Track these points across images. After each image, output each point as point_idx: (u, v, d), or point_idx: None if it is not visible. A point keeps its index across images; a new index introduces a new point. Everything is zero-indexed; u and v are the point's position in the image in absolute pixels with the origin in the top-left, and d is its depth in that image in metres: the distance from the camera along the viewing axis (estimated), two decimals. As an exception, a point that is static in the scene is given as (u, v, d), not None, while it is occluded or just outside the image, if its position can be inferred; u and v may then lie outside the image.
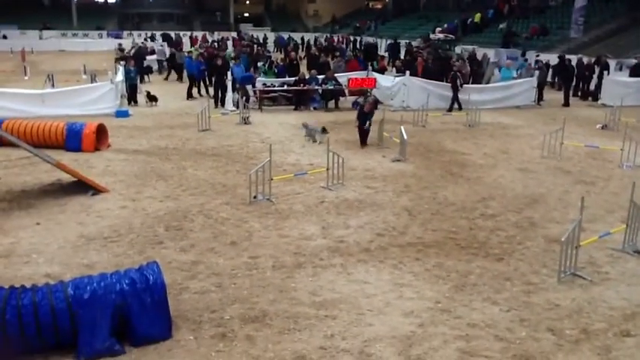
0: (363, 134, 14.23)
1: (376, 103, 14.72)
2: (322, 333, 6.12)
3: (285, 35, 51.05)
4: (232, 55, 26.22)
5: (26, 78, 26.35)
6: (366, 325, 6.26)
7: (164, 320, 5.95)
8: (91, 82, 22.43)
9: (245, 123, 16.95)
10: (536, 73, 21.98)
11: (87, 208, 9.68)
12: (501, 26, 37.45)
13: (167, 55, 29.18)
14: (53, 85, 22.16)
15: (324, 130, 14.48)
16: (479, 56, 26.10)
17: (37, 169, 11.56)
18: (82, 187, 10.42)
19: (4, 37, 48.98)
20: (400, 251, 8.18)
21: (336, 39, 47.02)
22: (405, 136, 13.01)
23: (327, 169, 11.04)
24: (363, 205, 10.07)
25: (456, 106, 19.68)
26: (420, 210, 9.91)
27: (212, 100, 19.33)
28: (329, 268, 7.64)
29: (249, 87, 20.02)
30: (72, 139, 13.41)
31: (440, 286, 7.19)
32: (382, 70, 23.54)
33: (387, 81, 20.98)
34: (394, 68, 24.02)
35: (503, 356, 5.78)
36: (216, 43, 40.95)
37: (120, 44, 34.49)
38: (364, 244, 8.42)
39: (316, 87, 19.94)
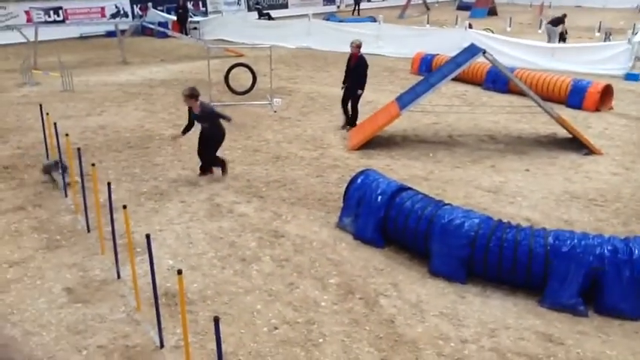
0: None
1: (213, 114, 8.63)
2: None
3: None
4: None
5: (540, 31, 27.14)
6: None
7: (638, 299, 5.55)
8: (604, 41, 21.56)
9: None
10: None
11: (576, 166, 9.61)
12: None
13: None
14: (564, 40, 22.23)
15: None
16: None
17: (535, 119, 12.01)
18: (575, 144, 10.36)
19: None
20: None
21: None
22: None
23: None
24: None
25: None
26: None
27: None
28: None
29: None
30: (575, 95, 13.33)
31: None
32: None
33: None
34: None
35: None
36: None
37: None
38: None
39: None
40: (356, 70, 11.06)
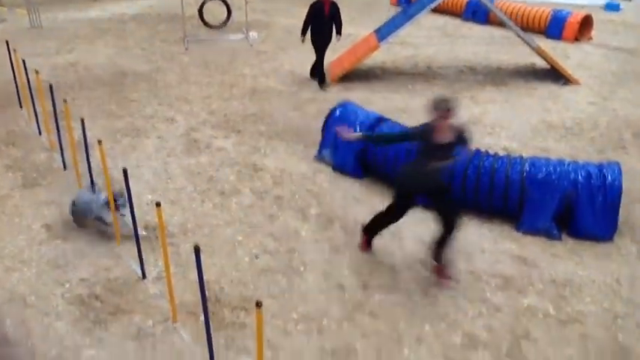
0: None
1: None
2: None
3: None
4: None
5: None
6: None
7: (609, 222, 5.71)
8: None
9: None
10: None
11: (554, 96, 9.64)
12: None
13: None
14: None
15: None
16: None
17: (514, 50, 11.94)
18: (554, 75, 10.36)
19: None
20: None
21: None
22: None
23: None
24: None
25: None
26: None
27: None
28: None
29: None
30: (554, 26, 13.24)
31: None
32: None
33: None
34: None
35: None
36: None
37: None
38: None
39: None
40: (332, 19, 9.65)
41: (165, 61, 11.31)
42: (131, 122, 8.42)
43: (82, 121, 5.79)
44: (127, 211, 5.23)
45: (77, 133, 6.78)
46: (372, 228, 5.44)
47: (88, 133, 5.94)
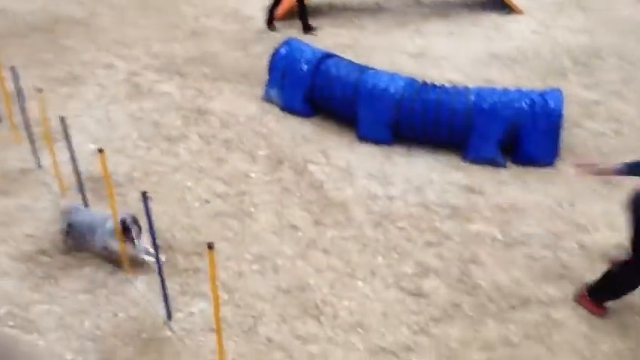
0: None
1: None
2: None
3: None
4: None
5: None
6: None
7: (552, 148, 5.89)
8: None
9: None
10: None
11: (498, 26, 9.65)
12: None
13: None
14: None
15: None
16: None
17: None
18: (498, 5, 10.35)
19: None
20: None
21: None
22: None
23: None
24: None
25: None
26: None
27: None
28: None
29: None
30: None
31: None
32: None
33: None
34: None
35: None
36: None
37: None
38: None
39: None
40: None
41: (101, 5, 10.73)
42: (68, 70, 8.04)
43: (13, 69, 5.49)
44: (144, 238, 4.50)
45: (9, 84, 6.45)
46: (604, 290, 4.23)
47: (23, 84, 5.65)
